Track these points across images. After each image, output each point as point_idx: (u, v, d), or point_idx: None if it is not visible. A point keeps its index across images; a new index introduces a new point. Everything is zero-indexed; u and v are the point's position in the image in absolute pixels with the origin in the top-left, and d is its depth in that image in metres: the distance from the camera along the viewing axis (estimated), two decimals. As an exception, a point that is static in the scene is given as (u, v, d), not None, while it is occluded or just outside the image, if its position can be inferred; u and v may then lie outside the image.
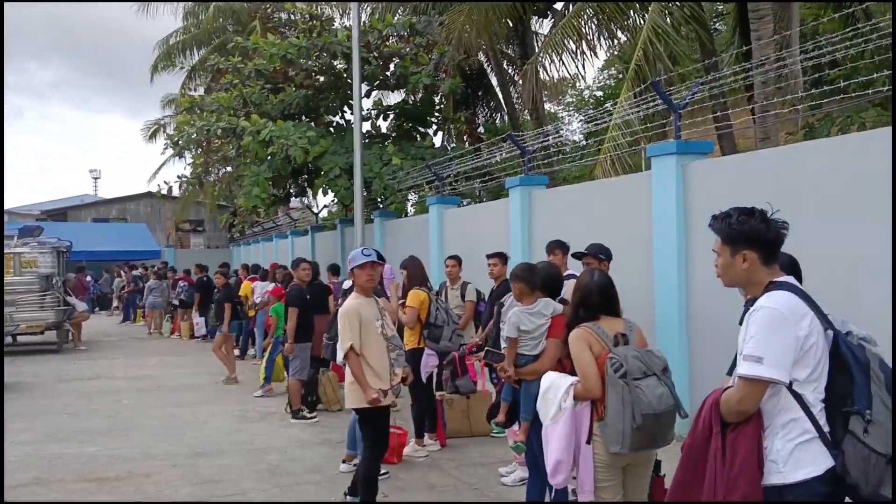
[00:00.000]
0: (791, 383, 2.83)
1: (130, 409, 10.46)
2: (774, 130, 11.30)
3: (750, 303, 3.00)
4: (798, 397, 2.83)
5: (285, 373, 11.85)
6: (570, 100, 33.85)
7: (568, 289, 5.56)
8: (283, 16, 22.86)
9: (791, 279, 3.01)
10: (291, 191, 19.85)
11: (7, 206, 45.36)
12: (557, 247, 7.32)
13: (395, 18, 18.02)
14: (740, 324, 3.01)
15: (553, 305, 4.96)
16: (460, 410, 8.09)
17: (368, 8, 21.32)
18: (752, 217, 3.01)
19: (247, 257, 30.71)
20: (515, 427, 5.24)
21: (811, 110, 12.38)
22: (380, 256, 5.89)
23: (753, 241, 2.99)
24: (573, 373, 4.20)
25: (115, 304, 29.51)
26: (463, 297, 8.93)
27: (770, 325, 2.82)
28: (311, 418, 9.36)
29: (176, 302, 20.20)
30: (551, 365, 4.66)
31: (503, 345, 5.14)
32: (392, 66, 17.65)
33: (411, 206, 20.33)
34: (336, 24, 20.00)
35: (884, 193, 5.67)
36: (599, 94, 29.49)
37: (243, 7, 27.14)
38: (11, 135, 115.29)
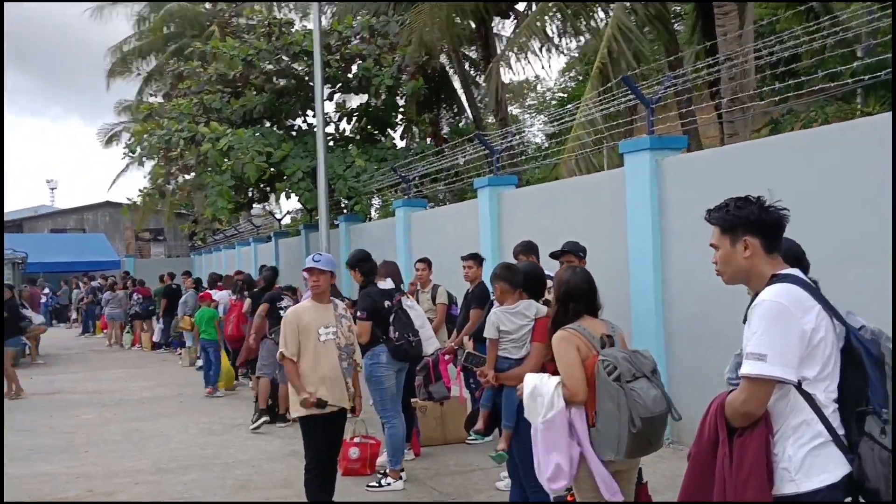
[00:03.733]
0: (800, 382, 2.64)
1: (90, 424, 10.06)
2: (742, 126, 11.28)
3: (752, 300, 2.82)
4: (808, 398, 2.64)
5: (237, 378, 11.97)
6: (532, 102, 33.90)
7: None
8: (242, 21, 22.49)
9: (796, 271, 2.81)
10: (254, 197, 19.49)
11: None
12: (530, 251, 6.90)
13: (356, 20, 17.76)
14: (744, 322, 2.84)
15: (536, 307, 4.74)
16: (434, 417, 7.87)
17: (329, 11, 21.06)
18: (750, 203, 2.85)
19: (209, 265, 30.16)
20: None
21: (776, 105, 12.39)
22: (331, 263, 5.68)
23: (753, 226, 2.80)
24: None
25: (73, 316, 28.79)
26: (434, 300, 8.72)
27: (772, 320, 2.63)
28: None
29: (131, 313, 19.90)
30: (535, 370, 4.46)
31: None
32: (354, 68, 17.40)
33: (375, 210, 20.07)
34: (296, 27, 19.69)
35: (856, 185, 5.59)
36: (562, 95, 29.51)
37: (201, 12, 26.70)
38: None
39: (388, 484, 6.60)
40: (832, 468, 2.61)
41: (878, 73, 6.62)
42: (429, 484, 6.75)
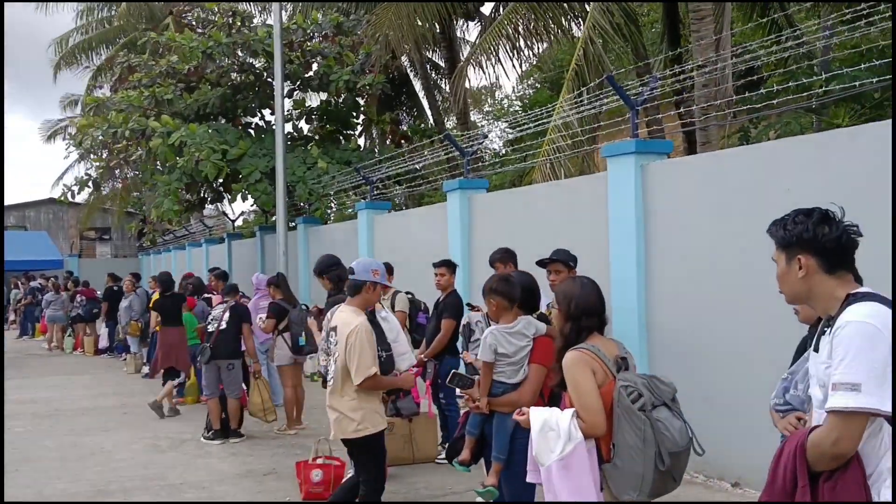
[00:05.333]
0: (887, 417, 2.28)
1: (23, 438, 9.25)
2: (715, 134, 11.00)
3: (824, 324, 2.43)
4: None
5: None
6: (489, 109, 33.54)
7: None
8: (200, 13, 21.66)
9: (874, 291, 2.43)
10: (207, 197, 18.70)
11: None
12: (508, 258, 6.55)
13: (321, 17, 17.17)
14: (814, 349, 2.45)
15: (535, 325, 4.19)
16: (402, 435, 7.31)
17: (290, 6, 20.41)
18: (808, 218, 2.53)
19: (157, 266, 29.15)
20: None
21: (748, 114, 12.15)
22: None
23: (808, 244, 2.49)
24: (553, 405, 3.54)
25: (11, 317, 27.54)
26: (393, 307, 8.19)
27: (864, 344, 2.26)
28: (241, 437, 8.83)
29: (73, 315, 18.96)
30: (534, 396, 3.95)
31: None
32: (315, 66, 16.80)
33: (331, 212, 19.44)
34: (256, 21, 19.01)
35: (862, 189, 5.23)
36: (522, 103, 29.17)
37: (157, 4, 25.79)
38: None
39: None
40: None
41: (854, 84, 6.38)
42: (396, 510, 6.22)
